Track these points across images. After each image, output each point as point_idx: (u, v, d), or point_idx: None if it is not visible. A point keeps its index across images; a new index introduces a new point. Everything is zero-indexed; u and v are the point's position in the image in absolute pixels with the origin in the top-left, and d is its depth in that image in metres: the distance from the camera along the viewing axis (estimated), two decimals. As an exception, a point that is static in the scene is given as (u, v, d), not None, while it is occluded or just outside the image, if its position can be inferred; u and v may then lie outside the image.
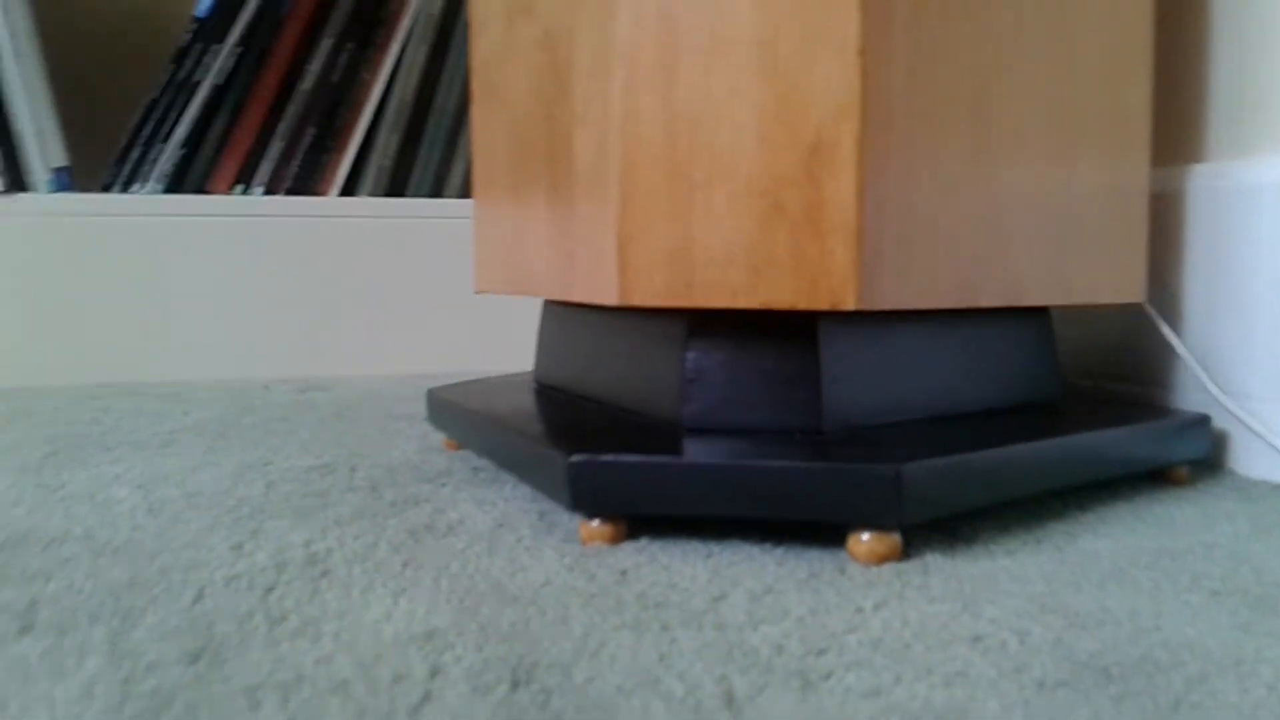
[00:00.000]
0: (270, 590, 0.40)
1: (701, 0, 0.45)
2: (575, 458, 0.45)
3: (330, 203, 1.13)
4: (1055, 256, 0.54)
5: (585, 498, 0.45)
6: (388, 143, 1.18)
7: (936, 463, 0.44)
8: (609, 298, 0.48)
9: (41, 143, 1.03)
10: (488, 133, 0.63)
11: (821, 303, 0.45)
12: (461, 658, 0.33)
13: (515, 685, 0.31)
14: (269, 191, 1.13)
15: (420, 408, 0.88)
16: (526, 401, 0.61)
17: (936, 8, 0.47)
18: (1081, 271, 0.56)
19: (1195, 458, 0.58)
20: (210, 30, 1.09)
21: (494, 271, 0.64)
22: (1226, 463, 0.61)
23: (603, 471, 0.44)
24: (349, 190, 1.17)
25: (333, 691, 0.31)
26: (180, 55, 1.09)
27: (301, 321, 1.11)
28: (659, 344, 0.52)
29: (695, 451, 0.45)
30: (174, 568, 0.43)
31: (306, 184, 1.15)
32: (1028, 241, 0.52)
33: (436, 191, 1.21)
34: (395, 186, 1.19)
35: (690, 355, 0.50)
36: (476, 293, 0.66)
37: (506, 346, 1.18)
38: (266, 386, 1.03)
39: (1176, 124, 0.66)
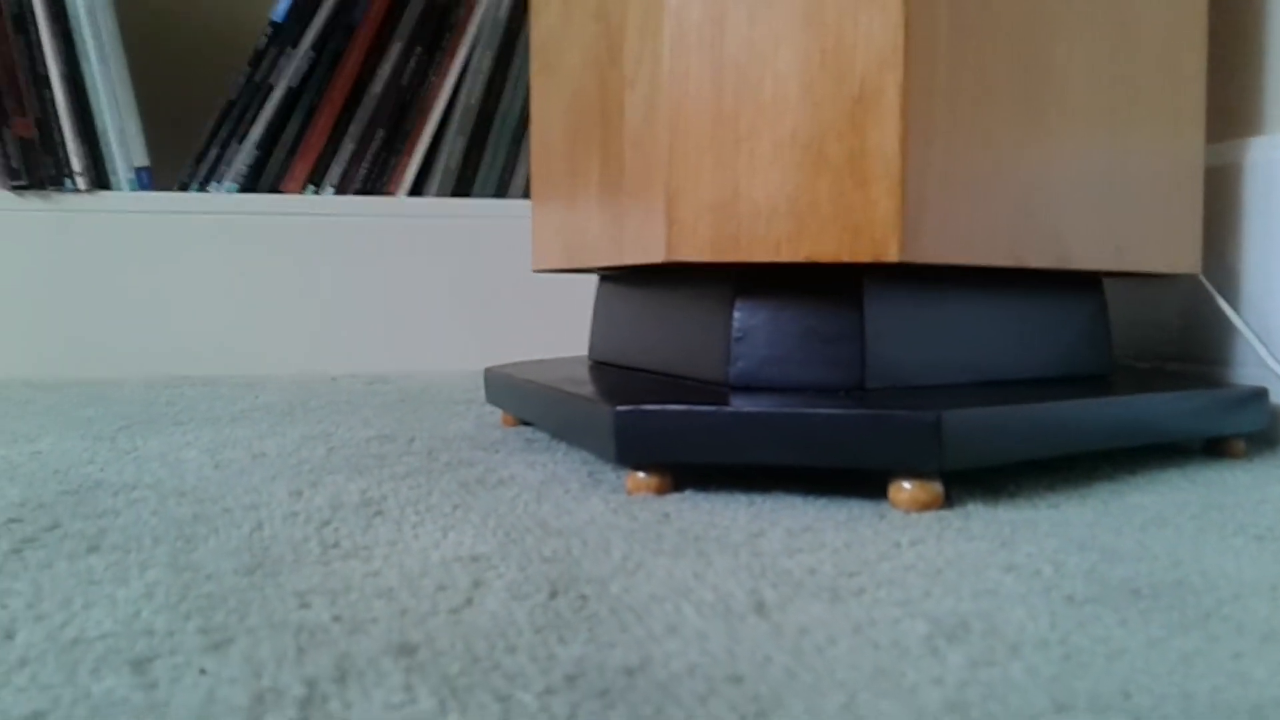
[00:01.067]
0: (325, 524, 0.42)
1: (747, -39, 0.46)
2: (620, 408, 0.46)
3: (399, 203, 1.16)
4: (1106, 220, 0.54)
5: (630, 447, 0.46)
6: (454, 145, 1.21)
7: (978, 411, 0.44)
8: (657, 254, 0.49)
9: (123, 143, 1.08)
10: (545, 111, 0.65)
11: (864, 254, 0.45)
12: (504, 574, 0.35)
13: (553, 594, 0.32)
14: (339, 191, 1.16)
15: (480, 394, 0.90)
16: (578, 372, 0.62)
17: (981, -32, 0.47)
18: (1133, 238, 0.55)
19: (1252, 430, 0.57)
20: (286, 34, 1.13)
21: (550, 247, 0.65)
22: (1286, 437, 0.60)
23: (648, 420, 0.45)
24: (417, 190, 1.20)
25: (379, 596, 0.32)
26: (257, 59, 1.12)
27: (369, 317, 1.14)
28: (707, 307, 0.53)
29: (738, 402, 0.46)
30: (235, 508, 0.45)
31: (376, 184, 1.18)
32: (1077, 203, 0.52)
33: (501, 192, 1.23)
34: (461, 187, 1.22)
35: (738, 314, 0.51)
36: (534, 271, 0.67)
37: (570, 341, 1.20)
38: (334, 379, 1.05)
39: (1234, 98, 0.65)
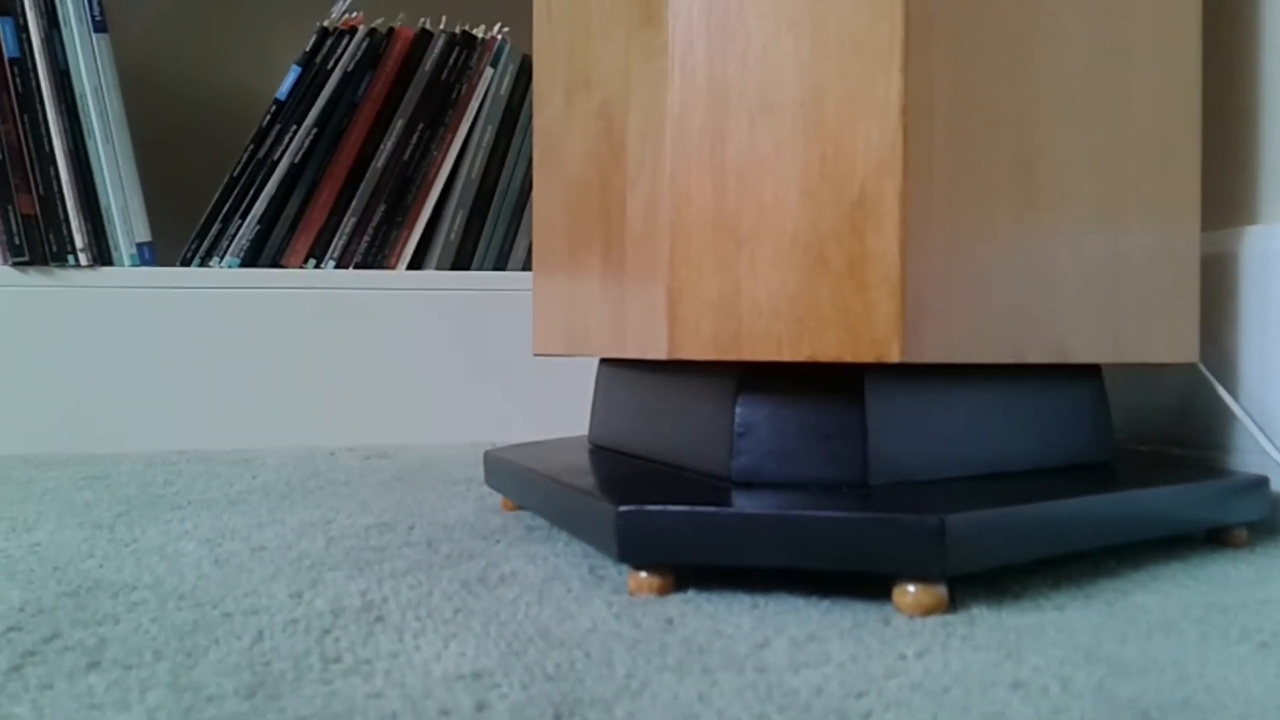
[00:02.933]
0: (326, 633, 0.41)
1: (749, 66, 0.47)
2: (623, 508, 0.46)
3: (399, 276, 1.16)
4: (1104, 313, 0.54)
5: (633, 548, 0.46)
6: (455, 218, 1.22)
7: (982, 514, 0.44)
8: (659, 351, 0.49)
9: (126, 219, 1.08)
10: (547, 198, 0.66)
11: (866, 355, 0.46)
12: (507, 695, 0.34)
13: (558, 718, 0.32)
14: (340, 265, 1.17)
15: (480, 472, 0.89)
16: (579, 460, 0.62)
17: (978, 69, 0.48)
18: (1132, 329, 0.56)
19: (1254, 519, 0.57)
20: (289, 112, 1.14)
21: (551, 333, 0.65)
22: (1289, 525, 0.60)
23: (650, 521, 0.45)
24: (417, 263, 1.21)
25: (381, 722, 0.32)
26: (260, 135, 1.14)
27: (369, 390, 1.14)
28: (709, 399, 0.53)
29: (741, 502, 0.45)
30: (236, 612, 0.45)
31: (377, 257, 1.19)
32: (1075, 297, 0.53)
33: (501, 264, 1.24)
34: (461, 260, 1.22)
35: (740, 409, 0.51)
36: (535, 354, 0.68)
37: (570, 414, 1.20)
38: (332, 453, 1.05)
39: (1229, 187, 0.66)
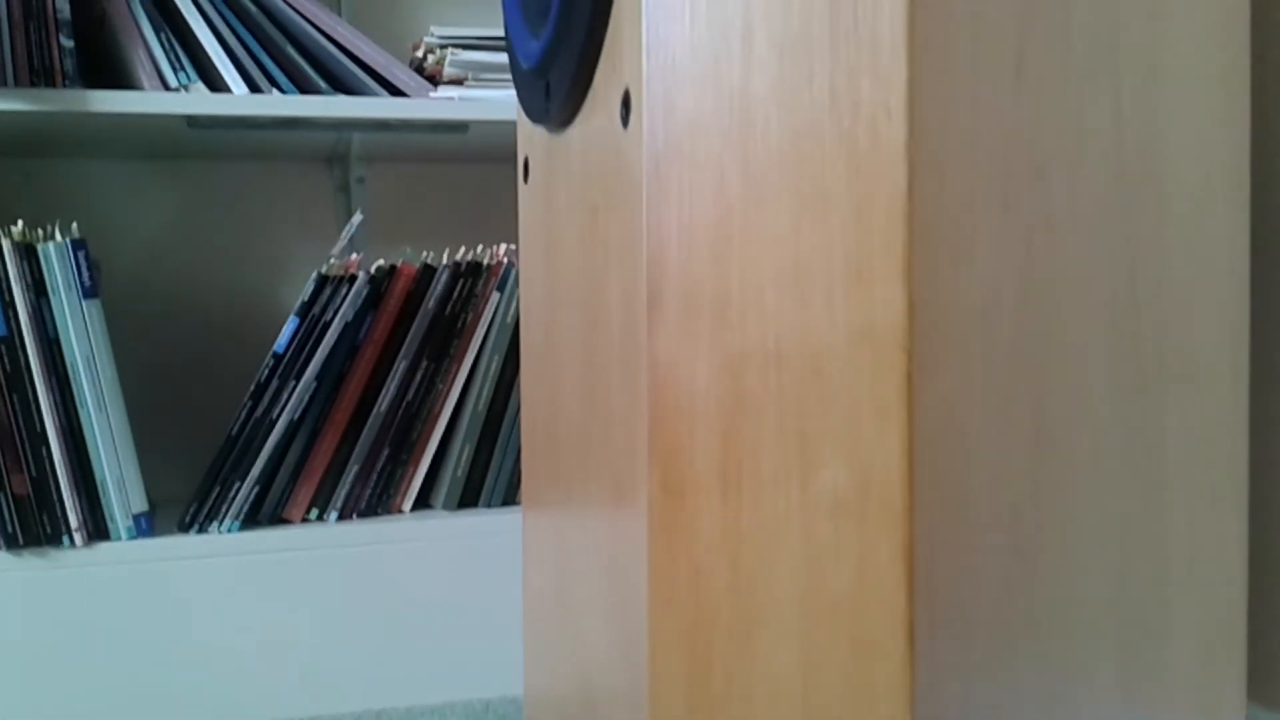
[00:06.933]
0: None
1: (735, 637, 0.42)
2: None
3: (403, 526, 1.12)
4: None
5: None
6: (462, 452, 1.18)
7: None
8: None
9: (121, 490, 1.05)
10: (535, 616, 0.62)
11: None
12: None
13: None
14: (344, 513, 1.13)
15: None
16: None
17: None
18: None
19: None
20: (288, 366, 1.10)
21: (537, 712, 0.61)
22: None
23: None
24: (423, 499, 1.17)
25: None
26: (258, 392, 1.10)
27: (377, 647, 1.10)
28: None
29: None
30: None
31: (381, 498, 1.15)
32: None
33: (510, 495, 1.20)
34: (469, 492, 1.18)
35: None
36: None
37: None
38: (338, 739, 1.02)
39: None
